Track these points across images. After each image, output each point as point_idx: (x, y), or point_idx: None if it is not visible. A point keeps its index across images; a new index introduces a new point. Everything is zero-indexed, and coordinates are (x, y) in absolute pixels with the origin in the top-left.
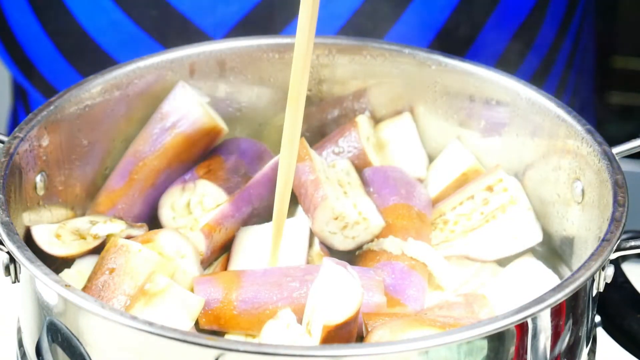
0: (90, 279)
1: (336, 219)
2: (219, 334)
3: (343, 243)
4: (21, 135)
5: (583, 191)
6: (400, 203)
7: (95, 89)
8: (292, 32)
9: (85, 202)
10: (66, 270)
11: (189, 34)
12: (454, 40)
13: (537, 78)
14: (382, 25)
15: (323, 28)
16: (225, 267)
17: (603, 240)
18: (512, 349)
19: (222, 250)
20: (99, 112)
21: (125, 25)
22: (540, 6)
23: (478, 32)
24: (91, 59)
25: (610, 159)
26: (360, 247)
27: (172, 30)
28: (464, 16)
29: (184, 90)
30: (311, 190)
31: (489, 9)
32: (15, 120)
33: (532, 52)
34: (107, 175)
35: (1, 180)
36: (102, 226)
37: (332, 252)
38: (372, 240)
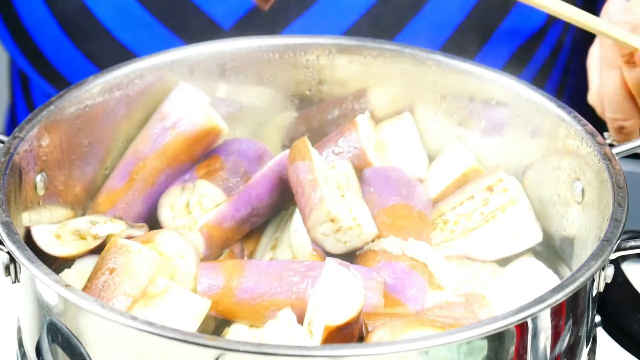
0: (90, 279)
1: (332, 221)
2: (221, 331)
3: (335, 246)
4: (21, 135)
5: (583, 191)
6: (401, 203)
7: (95, 89)
8: (303, 24)
9: (85, 202)
10: (66, 270)
11: (198, 20)
12: (464, 45)
13: (536, 83)
14: (393, 27)
15: (331, 28)
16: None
17: (603, 240)
18: (512, 349)
19: (221, 250)
20: (99, 112)
21: (133, 9)
22: (549, 19)
23: (485, 42)
24: (98, 42)
25: (610, 159)
26: (351, 252)
27: (181, 16)
28: (474, 23)
29: (184, 90)
30: (308, 190)
31: (500, 17)
32: (13, 116)
33: (533, 59)
34: (107, 175)
35: (1, 180)
36: (103, 226)
37: (326, 252)
38: (363, 247)
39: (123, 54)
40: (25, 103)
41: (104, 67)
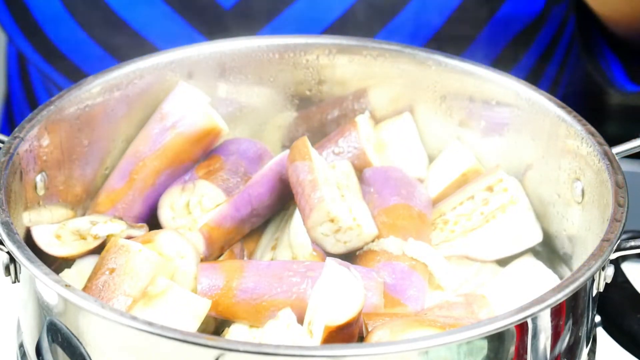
0: (90, 279)
1: (332, 221)
2: (221, 331)
3: (334, 246)
4: (21, 135)
5: (583, 191)
6: (401, 203)
7: (95, 89)
8: (303, 5)
9: (85, 202)
10: (66, 270)
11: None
12: (449, 44)
13: (529, 80)
14: (375, 25)
15: (312, 26)
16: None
17: (603, 240)
18: (512, 349)
19: (221, 251)
20: (99, 112)
21: None
22: (541, 16)
23: (470, 42)
24: (98, 16)
25: (610, 159)
26: (351, 252)
27: None
28: (459, 22)
29: (184, 90)
30: (308, 190)
31: (485, 17)
32: (8, 106)
33: (525, 57)
34: (107, 175)
35: (1, 180)
36: (103, 226)
37: (326, 252)
38: (362, 247)
39: (122, 28)
40: (22, 85)
41: (98, 39)
